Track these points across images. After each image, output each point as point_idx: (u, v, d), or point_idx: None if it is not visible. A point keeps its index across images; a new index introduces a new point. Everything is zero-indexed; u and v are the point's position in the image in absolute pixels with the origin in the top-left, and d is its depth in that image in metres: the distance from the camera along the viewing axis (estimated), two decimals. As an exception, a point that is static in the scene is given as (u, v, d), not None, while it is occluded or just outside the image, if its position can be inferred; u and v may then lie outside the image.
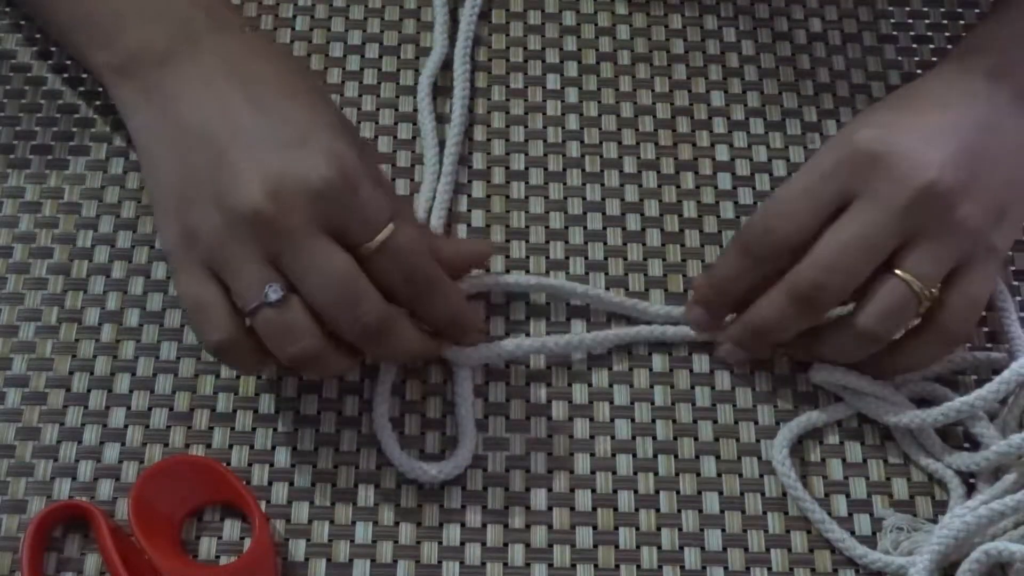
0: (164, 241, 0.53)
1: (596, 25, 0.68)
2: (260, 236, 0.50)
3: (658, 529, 0.55)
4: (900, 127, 0.54)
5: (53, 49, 0.65)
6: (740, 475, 0.56)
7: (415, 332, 0.53)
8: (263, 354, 0.52)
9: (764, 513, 0.55)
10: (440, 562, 0.54)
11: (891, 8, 0.69)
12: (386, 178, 0.58)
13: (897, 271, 0.52)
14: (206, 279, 0.51)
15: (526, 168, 0.63)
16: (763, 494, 0.56)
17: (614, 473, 0.56)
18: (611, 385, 0.58)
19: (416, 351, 0.54)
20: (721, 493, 0.56)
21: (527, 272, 0.60)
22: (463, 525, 0.55)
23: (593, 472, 0.56)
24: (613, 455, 0.56)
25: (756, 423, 0.57)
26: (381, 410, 0.56)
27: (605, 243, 0.61)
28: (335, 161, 0.51)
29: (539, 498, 0.55)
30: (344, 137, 0.53)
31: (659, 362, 0.59)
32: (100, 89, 0.64)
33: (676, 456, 0.56)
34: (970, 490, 0.55)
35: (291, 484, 0.55)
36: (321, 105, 0.54)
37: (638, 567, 0.54)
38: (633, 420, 0.57)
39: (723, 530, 0.55)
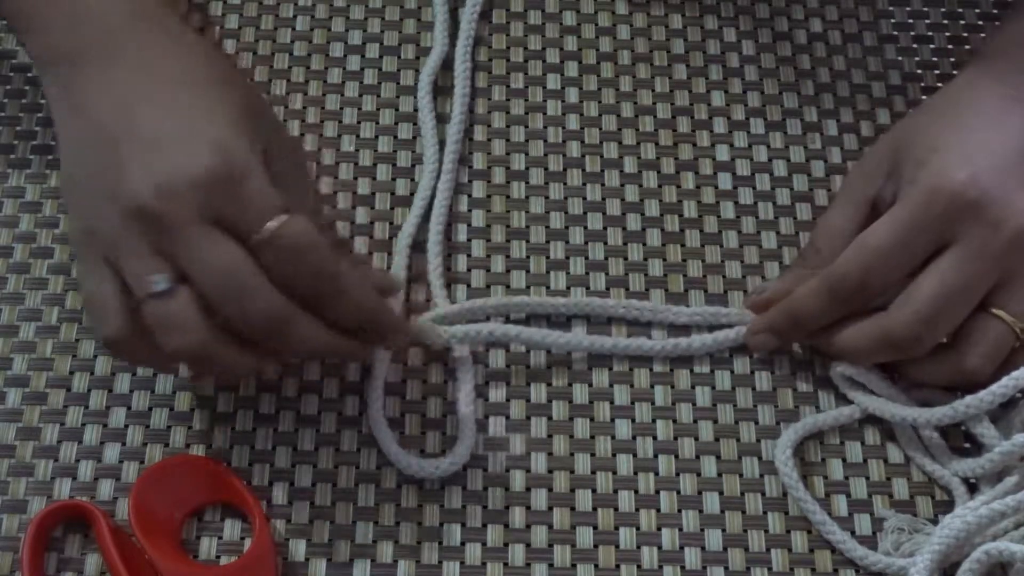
0: (69, 235, 0.53)
1: (596, 25, 0.68)
2: (149, 230, 0.49)
3: (658, 529, 0.55)
4: (982, 165, 0.54)
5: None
6: (740, 475, 0.56)
7: (317, 329, 0.51)
8: (154, 352, 0.51)
9: (764, 513, 0.55)
10: (440, 562, 0.54)
11: (891, 8, 0.69)
12: (305, 175, 0.57)
13: (994, 311, 0.54)
14: (102, 274, 0.50)
15: (526, 168, 0.63)
16: (763, 494, 0.56)
17: (614, 473, 0.56)
18: (611, 385, 0.58)
19: (323, 349, 0.53)
20: (721, 493, 0.56)
21: (528, 272, 0.60)
22: (463, 525, 0.55)
23: (593, 472, 0.56)
24: (613, 455, 0.56)
25: (756, 423, 0.57)
26: (376, 406, 0.56)
27: (605, 243, 0.61)
28: (219, 152, 0.50)
29: (539, 498, 0.55)
30: (239, 128, 0.52)
31: (659, 362, 0.59)
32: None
33: (676, 456, 0.56)
34: (972, 492, 0.55)
35: (291, 484, 0.55)
36: (225, 96, 0.53)
37: (638, 567, 0.54)
38: (633, 420, 0.57)
39: (723, 530, 0.55)
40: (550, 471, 0.56)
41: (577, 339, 0.58)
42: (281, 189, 0.51)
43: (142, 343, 0.50)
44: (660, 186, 0.63)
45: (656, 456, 0.56)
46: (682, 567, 0.54)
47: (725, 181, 0.63)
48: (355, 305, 0.52)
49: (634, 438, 0.57)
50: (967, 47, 0.68)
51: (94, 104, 0.52)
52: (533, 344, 0.58)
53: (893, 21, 0.68)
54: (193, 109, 0.52)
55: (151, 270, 0.49)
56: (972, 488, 0.55)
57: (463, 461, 0.55)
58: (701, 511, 0.55)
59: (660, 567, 0.54)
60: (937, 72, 0.67)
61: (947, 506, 0.55)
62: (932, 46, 0.68)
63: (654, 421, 0.57)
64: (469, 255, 0.61)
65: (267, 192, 0.50)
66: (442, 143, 0.63)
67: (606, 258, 0.61)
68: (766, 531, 0.55)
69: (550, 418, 0.57)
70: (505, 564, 0.54)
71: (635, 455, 0.56)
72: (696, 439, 0.57)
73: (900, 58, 0.67)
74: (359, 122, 0.64)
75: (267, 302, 0.49)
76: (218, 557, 0.53)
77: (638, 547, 0.54)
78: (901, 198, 0.55)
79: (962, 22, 0.69)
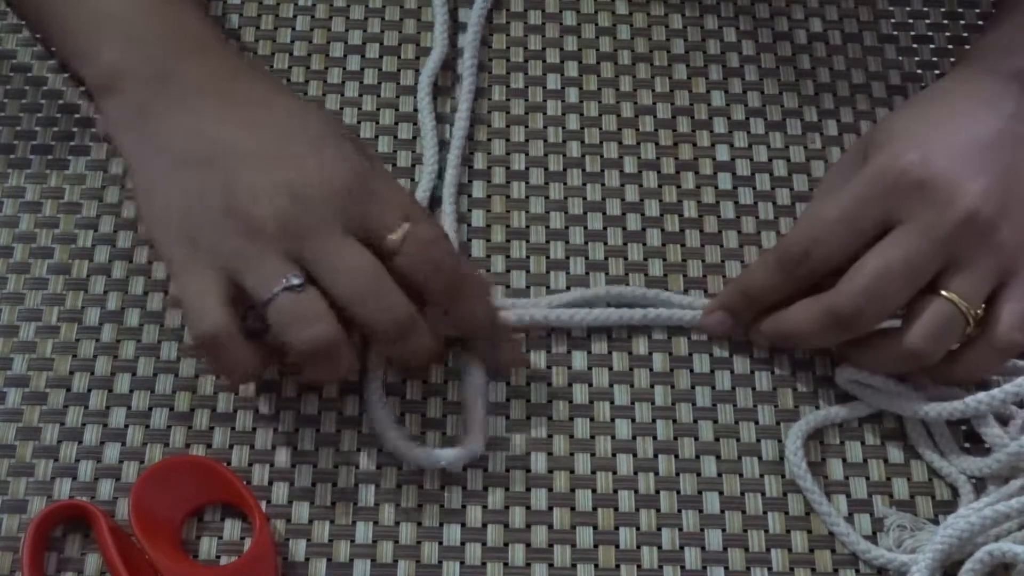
0: (168, 256, 0.53)
1: (596, 25, 0.68)
2: (282, 240, 0.51)
3: (658, 529, 0.55)
4: (938, 149, 0.54)
5: (53, 49, 0.65)
6: (741, 475, 0.56)
7: (433, 335, 0.53)
8: (252, 354, 0.52)
9: (765, 513, 0.55)
10: (440, 562, 0.54)
11: (891, 8, 0.69)
12: (398, 183, 0.58)
13: (943, 292, 0.53)
14: (208, 277, 0.51)
15: (526, 168, 0.63)
16: (764, 494, 0.56)
17: (614, 473, 0.56)
18: (612, 385, 0.58)
19: (431, 356, 0.55)
20: (722, 493, 0.56)
21: (528, 272, 0.60)
22: (463, 525, 0.55)
23: (593, 472, 0.56)
24: (613, 455, 0.56)
25: (757, 423, 0.57)
26: (376, 397, 0.56)
27: (605, 243, 0.61)
28: (350, 162, 0.52)
29: (539, 498, 0.55)
30: (351, 143, 0.54)
31: (660, 362, 0.59)
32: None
33: (676, 456, 0.56)
34: (978, 492, 0.55)
35: (291, 484, 0.55)
36: (316, 116, 0.56)
37: (638, 567, 0.54)
38: (634, 420, 0.57)
39: (723, 530, 0.55)
40: (550, 471, 0.56)
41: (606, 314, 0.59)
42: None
43: (239, 343, 0.51)
44: (660, 186, 0.63)
45: (656, 456, 0.56)
46: (682, 567, 0.54)
47: (725, 181, 0.63)
48: (478, 302, 0.54)
49: (634, 438, 0.57)
50: (967, 47, 0.68)
51: (185, 128, 0.54)
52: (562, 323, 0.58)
53: (893, 21, 0.68)
54: (296, 127, 0.54)
55: (284, 272, 0.50)
56: (977, 487, 0.55)
57: (476, 454, 0.55)
58: (701, 511, 0.55)
59: (660, 567, 0.54)
60: (937, 72, 0.67)
61: (947, 506, 0.55)
62: (932, 46, 0.68)
63: (654, 421, 0.57)
64: (469, 255, 0.61)
65: (396, 197, 0.53)
66: (442, 143, 0.63)
67: (606, 258, 0.61)
68: (766, 531, 0.55)
69: (550, 418, 0.57)
70: (505, 564, 0.54)
71: (635, 455, 0.56)
72: (696, 439, 0.57)
73: (900, 58, 0.67)
74: (359, 122, 0.64)
75: (397, 305, 0.51)
76: (218, 557, 0.53)
77: (638, 547, 0.54)
78: (854, 178, 0.55)
79: (962, 22, 0.69)
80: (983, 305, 0.54)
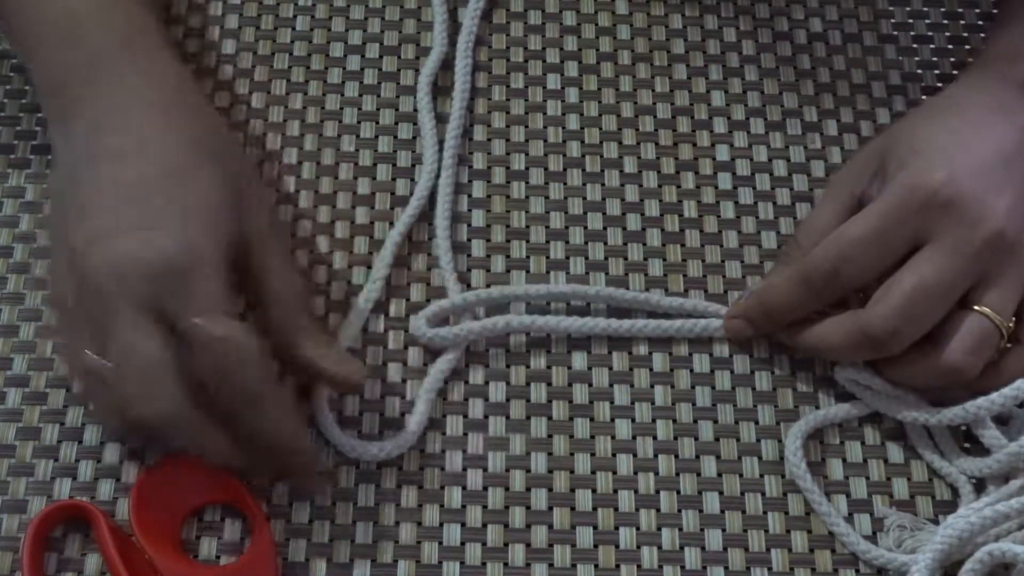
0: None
1: (596, 25, 0.68)
2: (93, 302, 0.50)
3: (658, 529, 0.55)
4: (962, 165, 0.54)
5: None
6: (740, 475, 0.56)
7: (220, 441, 0.51)
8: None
9: (765, 513, 0.55)
10: (440, 562, 0.54)
11: (891, 8, 0.69)
12: (289, 265, 0.56)
13: (978, 308, 0.54)
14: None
15: (526, 168, 0.63)
16: (764, 494, 0.56)
17: (614, 473, 0.56)
18: (611, 385, 0.58)
19: (216, 458, 0.52)
20: (721, 493, 0.56)
21: (528, 272, 0.60)
22: (463, 525, 0.55)
23: (593, 472, 0.56)
24: (613, 455, 0.56)
25: (757, 423, 0.57)
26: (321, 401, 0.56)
27: (605, 243, 0.61)
28: (177, 243, 0.50)
29: (539, 498, 0.55)
30: (211, 217, 0.52)
31: (659, 362, 0.59)
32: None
33: (676, 456, 0.56)
34: (979, 492, 0.55)
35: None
36: (205, 173, 0.53)
37: (638, 567, 0.54)
38: (633, 420, 0.57)
39: (723, 530, 0.55)
40: (550, 471, 0.56)
41: (557, 321, 0.58)
42: (259, 280, 0.52)
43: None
44: (660, 186, 0.63)
45: (656, 456, 0.56)
46: (682, 567, 0.54)
47: (725, 181, 0.63)
48: (265, 429, 0.51)
49: (634, 438, 0.57)
50: (967, 47, 0.68)
51: (73, 148, 0.54)
52: (513, 329, 0.58)
53: (893, 21, 0.68)
54: (168, 184, 0.52)
55: (85, 344, 0.50)
56: (978, 487, 0.55)
57: (409, 444, 0.55)
58: (701, 511, 0.55)
59: (660, 567, 0.54)
60: (937, 72, 0.67)
61: (947, 506, 0.55)
62: (932, 46, 0.68)
63: (654, 421, 0.57)
64: (469, 255, 0.61)
65: (212, 291, 0.50)
66: (442, 143, 0.63)
67: (606, 258, 0.61)
68: (766, 531, 0.55)
69: (550, 418, 0.57)
70: (505, 564, 0.54)
71: (635, 455, 0.56)
72: (696, 439, 0.57)
73: (900, 58, 0.67)
74: (359, 122, 0.64)
75: (166, 402, 0.49)
76: (218, 557, 0.53)
77: (638, 547, 0.54)
78: (880, 195, 0.56)
79: (962, 22, 0.69)
80: (1014, 318, 0.55)
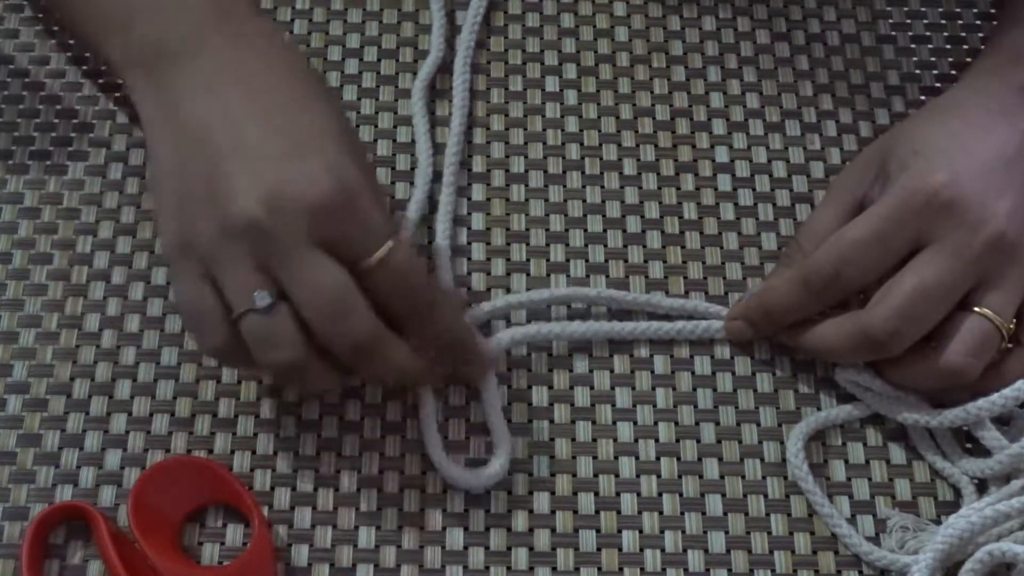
0: (163, 244, 0.53)
1: (595, 27, 0.68)
2: (255, 245, 0.50)
3: (661, 532, 0.55)
4: (963, 168, 0.55)
5: (51, 54, 0.65)
6: (743, 477, 0.56)
7: (406, 352, 0.52)
8: (251, 360, 0.51)
9: (767, 515, 0.55)
10: (443, 566, 0.54)
11: (889, 8, 0.69)
12: (383, 197, 0.57)
13: (978, 309, 0.54)
14: (202, 284, 0.51)
15: (526, 171, 0.63)
16: (766, 496, 0.56)
17: (616, 476, 0.56)
18: (613, 388, 0.58)
19: (406, 372, 0.53)
20: (724, 495, 0.56)
21: (528, 275, 0.60)
22: (466, 529, 0.55)
23: (596, 475, 0.56)
24: (615, 458, 0.56)
25: (759, 425, 0.57)
26: (430, 419, 0.56)
27: (606, 245, 0.61)
28: (336, 176, 0.50)
29: (542, 501, 0.55)
30: (348, 151, 0.52)
31: (660, 364, 0.59)
32: (99, 94, 0.64)
33: (678, 458, 0.56)
34: (981, 492, 0.55)
35: (293, 489, 0.55)
36: (327, 115, 0.54)
37: (641, 570, 0.54)
38: (635, 423, 0.57)
39: (726, 532, 0.55)
40: (552, 474, 0.56)
41: (601, 327, 0.58)
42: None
43: (244, 354, 0.51)
44: (660, 188, 0.63)
45: (658, 459, 0.56)
46: (685, 569, 0.54)
47: (725, 183, 0.63)
48: (447, 326, 0.53)
49: (636, 441, 0.57)
50: (965, 47, 0.68)
51: (193, 106, 0.53)
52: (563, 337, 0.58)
53: (891, 22, 0.68)
54: (301, 127, 0.52)
55: (254, 284, 0.50)
56: (980, 487, 0.56)
57: (504, 471, 0.55)
58: (704, 513, 0.55)
59: (663, 570, 0.54)
60: (935, 72, 0.67)
61: (950, 506, 0.56)
62: (930, 46, 0.68)
63: (656, 423, 0.57)
64: (469, 258, 0.61)
65: (376, 218, 0.51)
66: (439, 146, 0.63)
67: (606, 260, 0.61)
68: (769, 533, 0.55)
69: (552, 421, 0.57)
70: (508, 568, 0.54)
71: (637, 458, 0.56)
72: (698, 441, 0.57)
73: (899, 58, 0.67)
74: (357, 126, 0.64)
75: (364, 324, 0.50)
76: (220, 563, 0.53)
77: (641, 550, 0.54)
78: (881, 197, 0.56)
79: (960, 22, 0.69)
80: (1014, 319, 0.55)
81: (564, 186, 0.63)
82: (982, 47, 0.66)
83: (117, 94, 0.64)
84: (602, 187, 0.63)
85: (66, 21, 0.63)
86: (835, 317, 0.56)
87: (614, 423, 0.57)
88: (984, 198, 0.54)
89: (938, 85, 0.66)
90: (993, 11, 0.69)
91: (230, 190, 0.50)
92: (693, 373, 0.58)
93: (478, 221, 0.62)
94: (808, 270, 0.56)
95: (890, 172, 0.56)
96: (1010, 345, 0.55)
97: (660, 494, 0.56)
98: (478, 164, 0.63)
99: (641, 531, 0.55)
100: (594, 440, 0.57)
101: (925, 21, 0.69)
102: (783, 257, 0.60)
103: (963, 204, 0.54)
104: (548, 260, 0.61)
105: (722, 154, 0.64)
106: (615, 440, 0.57)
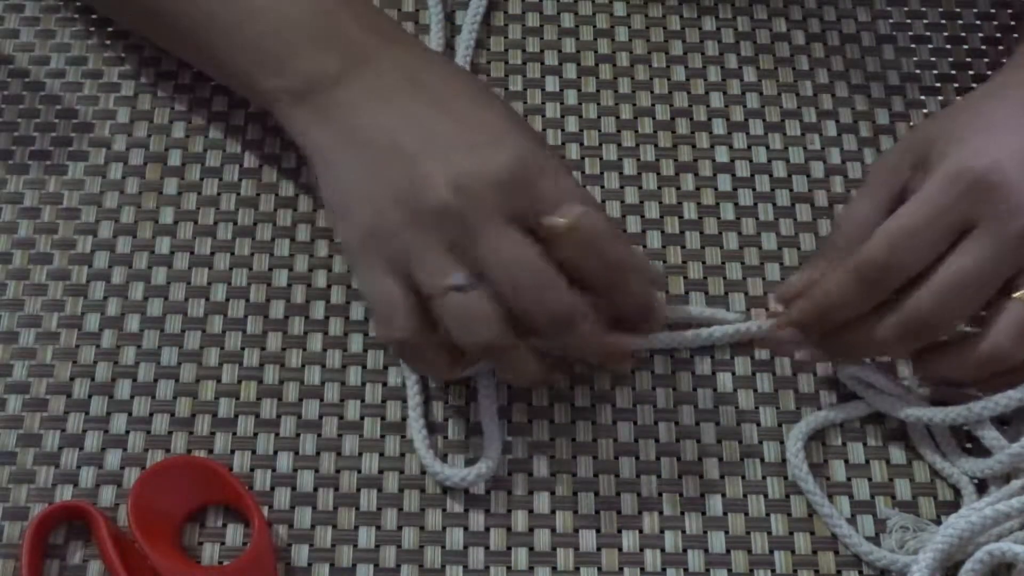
0: (348, 247, 0.55)
1: (595, 27, 0.68)
2: (448, 229, 0.51)
3: (661, 532, 0.55)
4: (1006, 153, 0.54)
5: (51, 55, 0.65)
6: (743, 477, 0.56)
7: (598, 326, 0.53)
8: (446, 352, 0.53)
9: (768, 515, 0.55)
10: (443, 566, 0.54)
11: (889, 8, 0.69)
12: (570, 171, 0.58)
13: (1016, 295, 0.54)
14: (390, 277, 0.52)
15: (526, 171, 0.63)
16: (766, 496, 0.56)
17: (617, 476, 0.56)
18: (613, 388, 0.58)
19: (600, 348, 0.53)
20: (724, 495, 0.56)
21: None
22: (466, 529, 0.55)
23: (596, 475, 0.56)
24: (616, 458, 0.56)
25: (759, 425, 0.57)
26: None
27: (606, 245, 0.61)
28: (521, 152, 0.52)
29: (542, 501, 0.55)
30: (532, 137, 0.55)
31: (660, 364, 0.59)
32: (99, 94, 0.64)
33: (679, 459, 0.56)
34: (981, 492, 0.55)
35: (293, 489, 0.55)
36: (504, 109, 0.56)
37: (642, 570, 0.54)
38: (635, 423, 0.57)
39: (726, 532, 0.55)
40: (552, 474, 0.56)
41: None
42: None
43: (429, 344, 0.52)
44: (660, 188, 0.63)
45: (658, 459, 0.56)
46: (685, 569, 0.54)
47: (725, 182, 0.63)
48: (639, 292, 0.54)
49: (636, 441, 0.57)
50: (965, 47, 0.68)
51: (372, 117, 0.55)
52: None
53: (891, 22, 0.68)
54: (484, 120, 0.54)
55: (450, 268, 0.51)
56: (980, 487, 0.56)
57: (491, 471, 0.55)
58: (704, 513, 0.55)
59: (663, 570, 0.54)
60: (935, 72, 0.67)
61: (950, 506, 0.55)
62: (930, 46, 0.68)
63: (656, 423, 0.57)
64: (469, 258, 0.61)
65: (564, 186, 0.52)
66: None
67: (606, 260, 0.61)
68: (769, 533, 0.55)
69: (552, 421, 0.57)
70: (508, 568, 0.54)
71: (637, 458, 0.56)
72: (698, 441, 0.57)
73: (899, 58, 0.67)
74: (358, 125, 0.64)
75: (562, 295, 0.51)
76: (220, 562, 0.53)
77: (641, 550, 0.54)
78: (927, 184, 0.55)
79: (960, 22, 0.69)
80: None
81: (564, 186, 0.63)
82: (983, 47, 0.66)
83: (117, 94, 0.64)
84: (602, 187, 0.63)
85: (202, 55, 0.61)
86: (876, 313, 0.55)
87: (614, 423, 0.57)
88: None
89: (938, 85, 0.66)
90: (993, 11, 0.69)
91: (424, 182, 0.52)
92: (693, 373, 0.58)
93: (478, 221, 0.62)
94: (861, 264, 0.55)
95: (931, 160, 0.55)
96: None
97: (660, 494, 0.56)
98: (478, 164, 0.63)
99: (641, 531, 0.55)
100: (594, 440, 0.57)
101: (925, 21, 0.69)
102: (825, 247, 0.58)
103: (1006, 188, 0.53)
104: (548, 260, 0.61)
105: (722, 154, 0.64)
106: (615, 440, 0.57)
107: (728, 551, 0.54)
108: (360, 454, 0.56)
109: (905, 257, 0.54)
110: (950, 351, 0.55)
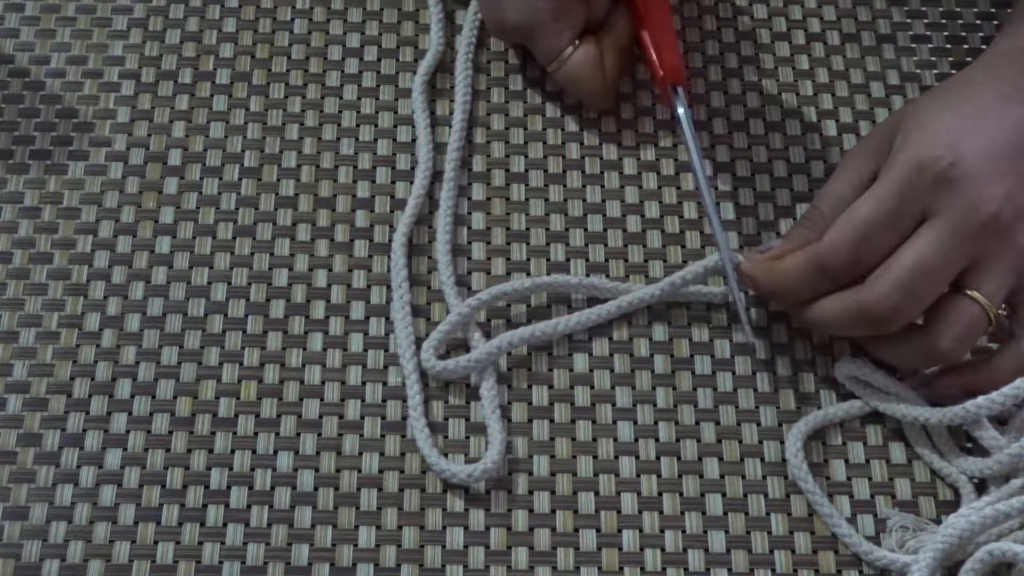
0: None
1: (595, 27, 0.68)
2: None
3: (661, 531, 0.55)
4: (968, 146, 0.55)
5: (51, 54, 0.65)
6: (743, 476, 0.56)
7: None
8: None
9: (768, 514, 0.55)
10: (444, 566, 0.54)
11: (889, 8, 0.69)
12: None
13: (969, 292, 0.54)
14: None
15: (526, 170, 0.63)
16: (766, 495, 0.56)
17: (617, 475, 0.56)
18: (613, 387, 0.58)
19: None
20: (724, 495, 0.56)
21: (528, 275, 0.60)
22: (466, 528, 0.55)
23: (596, 475, 0.56)
24: (616, 457, 0.56)
25: (759, 424, 0.57)
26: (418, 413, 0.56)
27: (606, 245, 0.61)
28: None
29: (542, 501, 0.55)
30: None
31: (661, 364, 0.59)
32: (99, 94, 0.64)
33: (679, 458, 0.56)
34: (980, 492, 0.55)
35: (294, 488, 0.55)
36: None
37: (642, 569, 0.54)
38: (636, 422, 0.57)
39: (726, 532, 0.55)
40: (552, 474, 0.56)
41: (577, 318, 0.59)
42: None
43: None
44: (660, 187, 0.63)
45: (659, 458, 0.56)
46: (685, 569, 0.54)
47: (725, 182, 0.63)
48: None
49: (636, 440, 0.57)
50: (965, 46, 0.68)
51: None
52: (537, 337, 0.58)
53: (892, 21, 0.68)
54: None
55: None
56: (979, 487, 0.56)
57: (496, 468, 0.55)
58: (704, 513, 0.55)
59: (663, 569, 0.54)
60: (935, 72, 0.67)
61: (950, 506, 0.56)
62: (930, 45, 0.68)
63: (656, 423, 0.57)
64: (470, 258, 0.61)
65: None
66: (440, 146, 0.63)
67: (607, 260, 0.61)
68: (769, 532, 0.55)
69: (552, 421, 0.57)
70: (508, 567, 0.54)
71: (637, 457, 0.56)
72: (698, 441, 0.57)
73: (899, 58, 0.67)
74: (358, 125, 0.64)
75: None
76: None
77: (641, 549, 0.54)
78: (886, 170, 0.56)
79: (960, 21, 0.69)
80: (1003, 306, 0.55)
81: (564, 186, 0.63)
82: (983, 47, 0.66)
83: (117, 94, 0.64)
84: (602, 187, 0.63)
85: None
86: (835, 293, 0.56)
87: (614, 423, 0.57)
88: (985, 177, 0.54)
89: (938, 85, 0.66)
90: (993, 10, 0.69)
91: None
92: (693, 373, 0.58)
93: (478, 220, 0.62)
94: (825, 253, 0.55)
95: (895, 144, 0.56)
96: (990, 332, 0.55)
97: (660, 494, 0.56)
98: (478, 163, 0.63)
99: (641, 531, 0.55)
100: (594, 440, 0.57)
101: (925, 21, 0.69)
102: (803, 220, 0.58)
103: (965, 181, 0.54)
104: (548, 260, 0.61)
105: (722, 153, 0.64)
106: (615, 440, 0.57)
107: (728, 551, 0.54)
108: (360, 454, 0.56)
109: (868, 248, 0.55)
110: (896, 342, 0.56)
